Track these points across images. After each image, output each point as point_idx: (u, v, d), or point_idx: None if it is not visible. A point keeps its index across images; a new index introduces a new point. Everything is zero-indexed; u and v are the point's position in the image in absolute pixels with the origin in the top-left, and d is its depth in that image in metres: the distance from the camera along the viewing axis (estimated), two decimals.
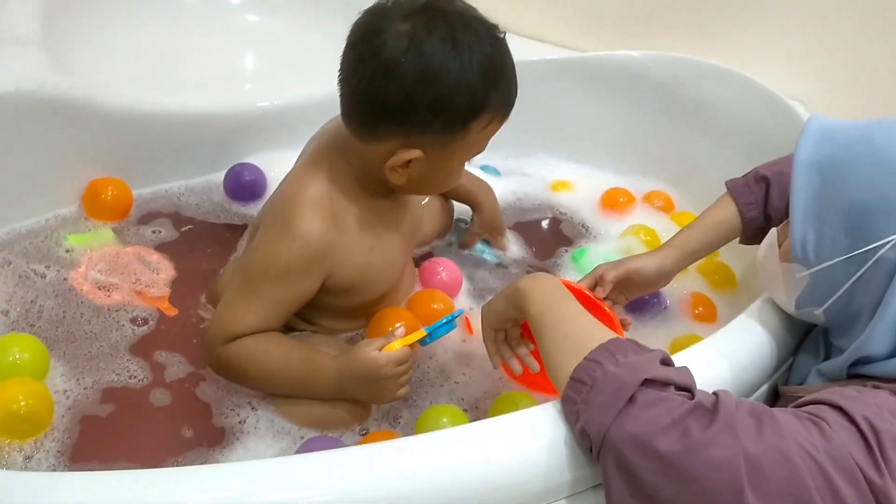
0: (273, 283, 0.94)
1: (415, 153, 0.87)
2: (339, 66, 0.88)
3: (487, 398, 1.04)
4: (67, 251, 1.16)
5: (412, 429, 0.99)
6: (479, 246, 1.33)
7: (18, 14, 1.28)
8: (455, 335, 1.09)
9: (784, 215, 1.03)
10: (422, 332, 0.96)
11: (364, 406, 0.99)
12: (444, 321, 0.96)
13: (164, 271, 1.16)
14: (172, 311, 1.10)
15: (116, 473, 0.65)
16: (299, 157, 1.05)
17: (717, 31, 1.49)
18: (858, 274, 0.76)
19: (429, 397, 1.04)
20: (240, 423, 0.97)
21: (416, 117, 0.84)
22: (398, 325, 1.01)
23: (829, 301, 0.81)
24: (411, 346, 0.95)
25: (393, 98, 0.83)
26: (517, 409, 0.93)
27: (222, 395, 1.00)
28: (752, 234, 1.07)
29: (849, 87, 1.42)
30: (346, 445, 0.94)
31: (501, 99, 0.88)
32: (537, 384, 1.02)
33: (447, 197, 1.31)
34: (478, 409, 1.03)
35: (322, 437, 0.95)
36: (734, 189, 1.08)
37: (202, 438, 0.96)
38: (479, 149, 0.92)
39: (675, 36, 1.52)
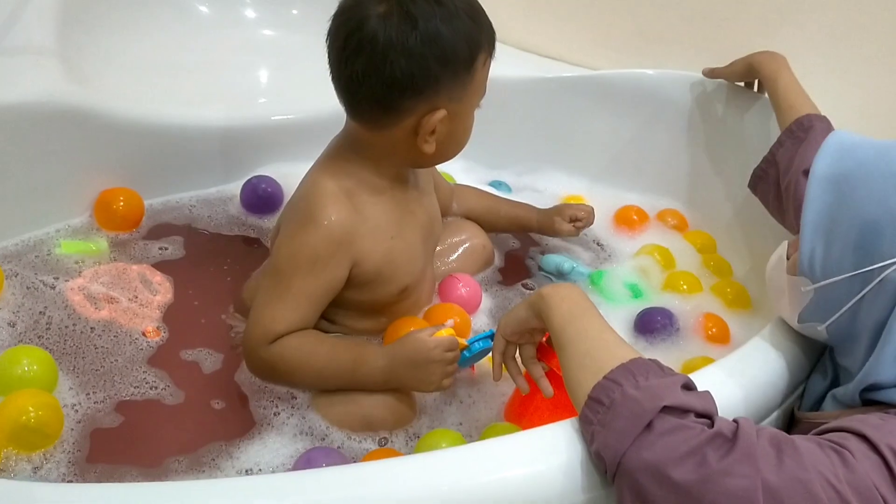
0: (303, 275, 0.95)
1: (441, 113, 0.91)
2: (332, 72, 0.92)
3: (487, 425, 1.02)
4: (53, 255, 1.16)
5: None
6: (558, 261, 1.34)
7: (34, 24, 1.28)
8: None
9: (780, 177, 1.13)
10: (463, 343, 0.98)
11: (408, 406, 1.00)
12: (483, 336, 0.98)
13: (161, 293, 1.15)
14: (156, 335, 1.08)
15: (107, 486, 0.65)
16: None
17: (732, 49, 1.48)
18: (863, 293, 0.75)
19: (431, 420, 1.02)
20: (275, 414, 0.99)
21: (432, 78, 0.88)
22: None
23: (832, 318, 0.80)
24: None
25: (406, 70, 0.87)
26: None
27: (258, 387, 1.02)
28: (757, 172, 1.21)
29: (869, 105, 1.41)
30: (346, 458, 0.93)
31: (488, 33, 0.93)
32: (536, 421, 0.96)
33: (496, 230, 1.34)
34: (471, 438, 1.00)
35: (322, 449, 0.94)
36: (795, 127, 1.17)
37: (228, 431, 0.96)
38: (483, 91, 0.96)
39: (689, 55, 1.51)
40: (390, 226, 1.01)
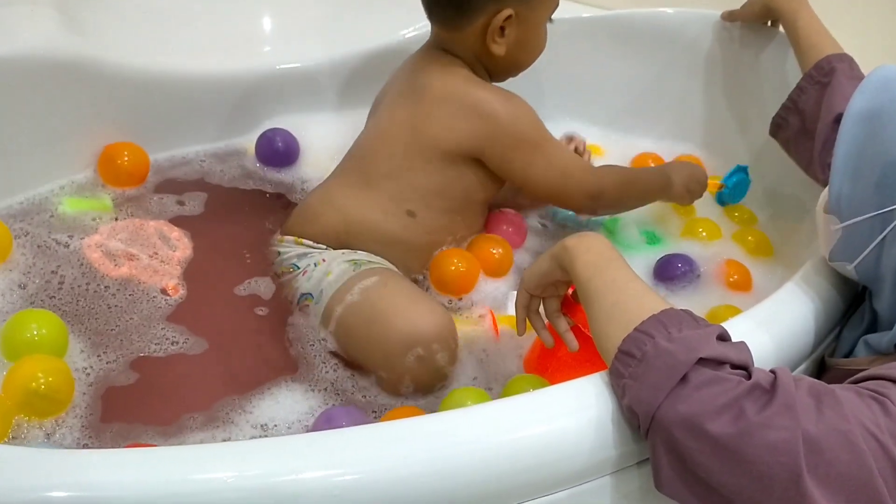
0: (546, 130, 1.09)
1: (507, 11, 0.99)
2: None
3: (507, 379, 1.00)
4: (53, 215, 1.14)
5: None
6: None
7: None
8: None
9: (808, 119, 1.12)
10: (716, 183, 1.11)
11: (443, 311, 1.00)
12: (734, 171, 1.13)
13: (181, 249, 1.13)
14: (175, 292, 1.06)
15: (129, 451, 0.63)
16: (377, 101, 1.14)
17: None
18: (884, 234, 0.74)
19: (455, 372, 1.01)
20: (300, 352, 1.00)
21: None
22: None
23: (859, 258, 0.79)
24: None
25: None
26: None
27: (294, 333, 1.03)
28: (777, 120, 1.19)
29: (889, 44, 1.38)
30: (366, 416, 0.91)
31: None
32: (560, 377, 0.95)
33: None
34: (491, 391, 0.98)
35: (343, 407, 0.92)
36: (816, 70, 1.13)
37: (259, 377, 0.97)
38: (556, 4, 1.06)
39: None
40: None
